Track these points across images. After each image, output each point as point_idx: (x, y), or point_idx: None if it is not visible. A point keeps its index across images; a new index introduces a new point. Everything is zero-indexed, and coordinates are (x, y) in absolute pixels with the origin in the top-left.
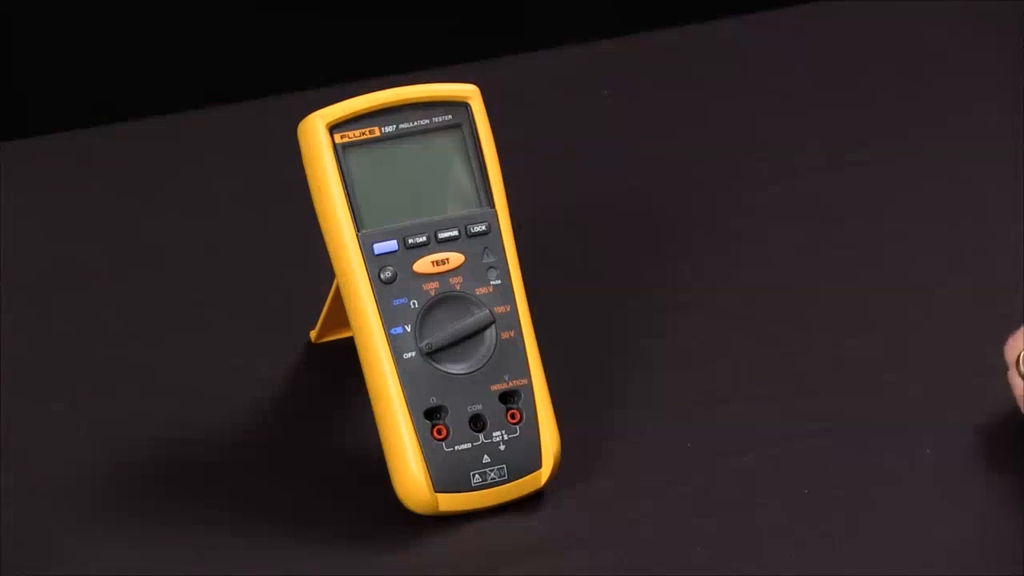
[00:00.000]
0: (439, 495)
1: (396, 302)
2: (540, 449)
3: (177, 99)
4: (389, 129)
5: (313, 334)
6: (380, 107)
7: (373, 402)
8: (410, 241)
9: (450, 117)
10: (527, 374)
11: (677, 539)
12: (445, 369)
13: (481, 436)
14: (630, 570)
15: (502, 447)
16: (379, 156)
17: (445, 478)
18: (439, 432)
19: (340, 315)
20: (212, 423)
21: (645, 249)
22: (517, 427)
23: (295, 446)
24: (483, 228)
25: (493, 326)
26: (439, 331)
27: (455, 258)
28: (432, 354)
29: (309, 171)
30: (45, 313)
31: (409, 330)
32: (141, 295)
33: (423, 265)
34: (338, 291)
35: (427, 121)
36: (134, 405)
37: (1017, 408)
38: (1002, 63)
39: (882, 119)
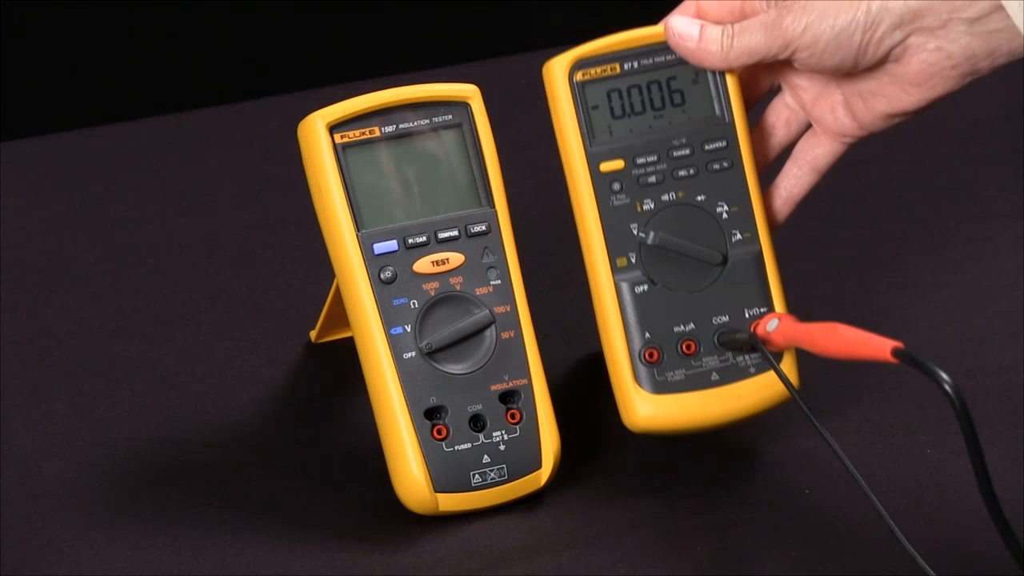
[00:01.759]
0: (439, 495)
1: (396, 302)
2: (540, 449)
3: (177, 99)
4: (389, 129)
5: (313, 334)
6: (380, 107)
7: (373, 402)
8: (410, 241)
9: (450, 117)
10: (527, 374)
11: (677, 539)
12: (445, 369)
13: (481, 436)
14: (630, 570)
15: (502, 447)
16: (379, 156)
17: (445, 478)
18: (439, 432)
19: (340, 315)
20: (212, 423)
21: None
22: (517, 427)
23: (295, 446)
24: (483, 228)
25: (493, 326)
26: (439, 331)
27: (455, 258)
28: (432, 354)
29: (309, 171)
30: (45, 313)
31: (409, 330)
32: (141, 295)
33: (423, 265)
34: (338, 291)
35: (427, 121)
36: (134, 405)
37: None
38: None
39: None
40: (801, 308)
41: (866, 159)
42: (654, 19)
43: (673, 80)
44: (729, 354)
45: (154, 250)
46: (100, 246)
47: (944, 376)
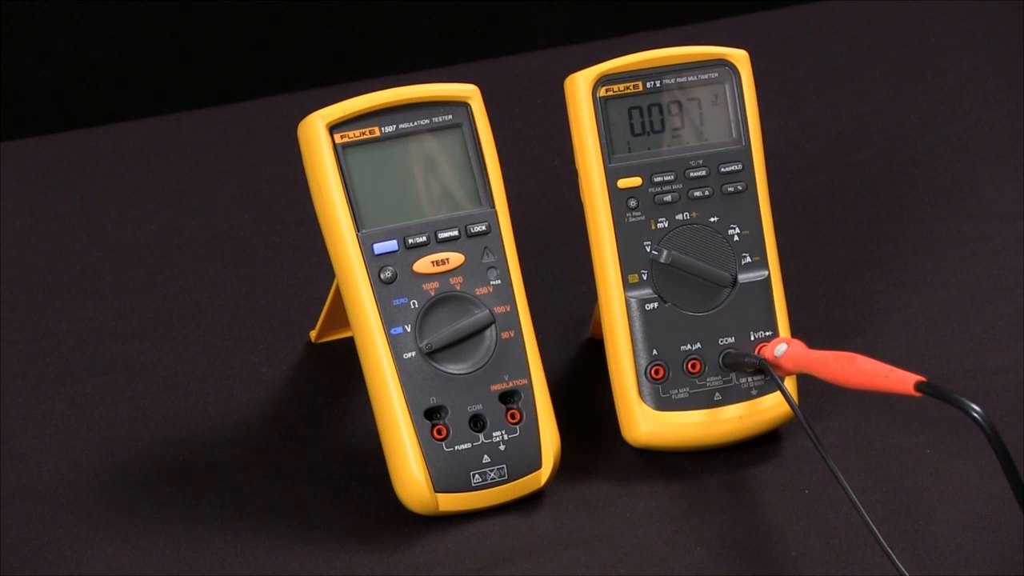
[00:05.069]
0: (439, 495)
1: (396, 302)
2: (540, 449)
3: (177, 99)
4: (389, 129)
5: (313, 334)
6: (380, 107)
7: (373, 402)
8: (410, 241)
9: (450, 117)
10: (527, 374)
11: (677, 539)
12: (445, 369)
13: (481, 436)
14: (630, 570)
15: (502, 447)
16: (379, 156)
17: (445, 478)
18: (439, 432)
19: (340, 315)
20: (212, 423)
21: None
22: (517, 427)
23: (295, 446)
24: (483, 228)
25: (493, 326)
26: (439, 331)
27: (455, 258)
28: (432, 354)
29: (309, 171)
30: (45, 313)
31: (409, 330)
32: (141, 295)
33: (423, 265)
34: (338, 291)
35: (427, 121)
36: (134, 405)
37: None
38: (1002, 63)
39: (882, 119)
40: (801, 308)
41: (866, 159)
42: (653, 20)
43: (693, 101)
44: (732, 375)
45: (154, 250)
46: (100, 246)
47: (974, 407)
